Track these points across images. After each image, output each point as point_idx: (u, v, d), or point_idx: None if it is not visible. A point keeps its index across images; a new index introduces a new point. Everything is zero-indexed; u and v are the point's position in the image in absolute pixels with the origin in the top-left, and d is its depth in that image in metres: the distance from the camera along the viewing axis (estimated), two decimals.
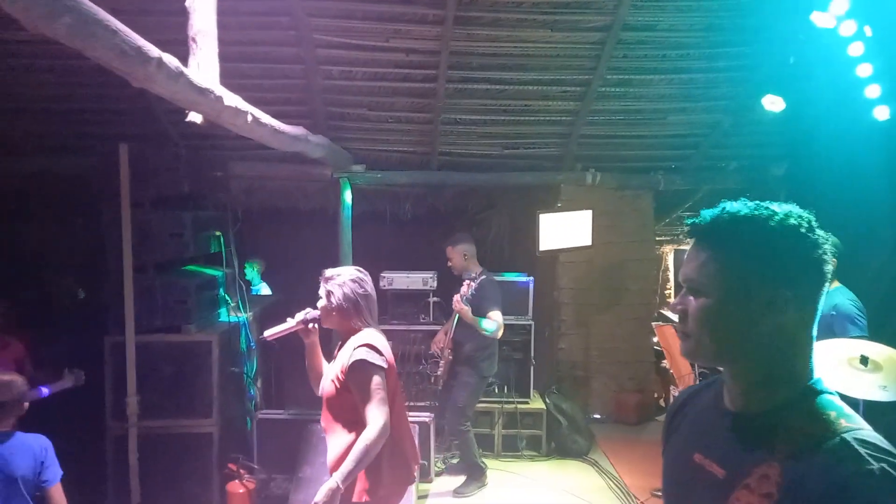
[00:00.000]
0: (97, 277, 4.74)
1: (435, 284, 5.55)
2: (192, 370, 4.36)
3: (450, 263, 4.78)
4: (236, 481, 4.19)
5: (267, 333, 2.79)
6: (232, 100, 2.75)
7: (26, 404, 2.95)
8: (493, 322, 4.44)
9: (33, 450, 2.85)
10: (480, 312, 4.44)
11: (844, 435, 1.02)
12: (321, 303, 2.72)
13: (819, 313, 1.15)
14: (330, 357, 2.86)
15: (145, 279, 4.30)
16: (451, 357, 4.68)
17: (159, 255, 4.37)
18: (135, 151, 4.30)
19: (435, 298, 5.58)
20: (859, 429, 1.04)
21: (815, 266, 1.12)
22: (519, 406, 5.39)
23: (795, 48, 4.61)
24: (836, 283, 3.82)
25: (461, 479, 4.77)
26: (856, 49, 4.20)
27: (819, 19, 4.17)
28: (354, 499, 2.59)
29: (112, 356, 4.30)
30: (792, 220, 1.11)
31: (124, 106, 5.20)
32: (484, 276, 4.50)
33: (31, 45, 4.58)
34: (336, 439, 2.66)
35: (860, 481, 0.96)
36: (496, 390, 5.28)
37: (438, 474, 4.98)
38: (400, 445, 2.72)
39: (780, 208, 1.14)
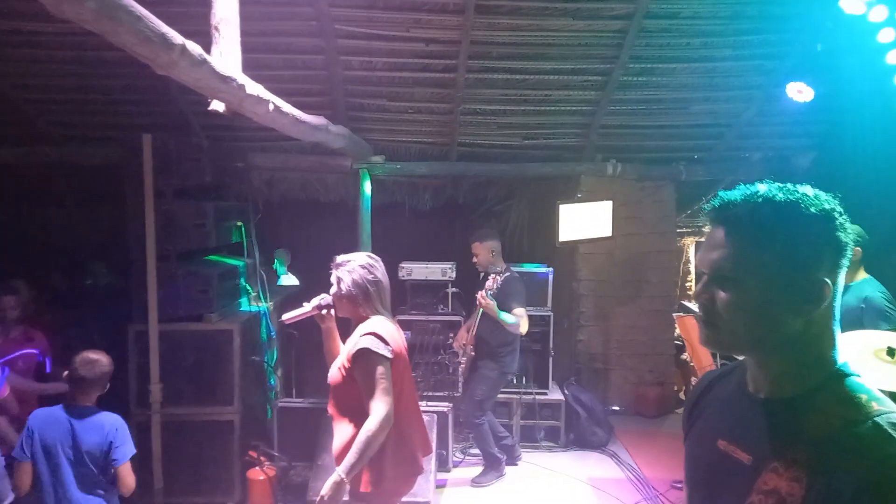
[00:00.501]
0: (121, 266, 4.80)
1: (454, 275, 5.55)
2: (214, 358, 4.41)
3: (475, 259, 4.77)
4: (257, 468, 4.24)
5: (285, 317, 2.82)
6: (254, 88, 2.76)
7: (108, 384, 3.10)
8: (515, 316, 4.43)
9: (104, 428, 3.00)
10: (505, 308, 4.43)
11: (877, 418, 1.00)
12: (332, 290, 2.71)
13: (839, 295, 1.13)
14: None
15: (168, 268, 4.34)
16: (472, 353, 4.68)
17: (182, 244, 4.41)
18: (158, 142, 4.34)
19: (454, 289, 5.58)
20: (891, 412, 1.01)
21: (846, 252, 1.10)
22: (537, 397, 5.39)
23: (823, 35, 4.52)
24: (864, 274, 3.75)
25: (479, 469, 4.78)
26: (886, 35, 4.09)
27: (848, 5, 4.07)
28: (361, 489, 2.57)
29: (136, 344, 4.36)
30: (827, 206, 1.09)
31: (147, 97, 5.25)
32: (509, 273, 4.50)
33: (54, 36, 4.64)
34: (341, 429, 2.64)
35: (893, 464, 0.94)
36: (514, 381, 5.28)
37: (457, 464, 4.99)
38: (407, 436, 2.68)
39: (811, 191, 1.10)
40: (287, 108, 3.22)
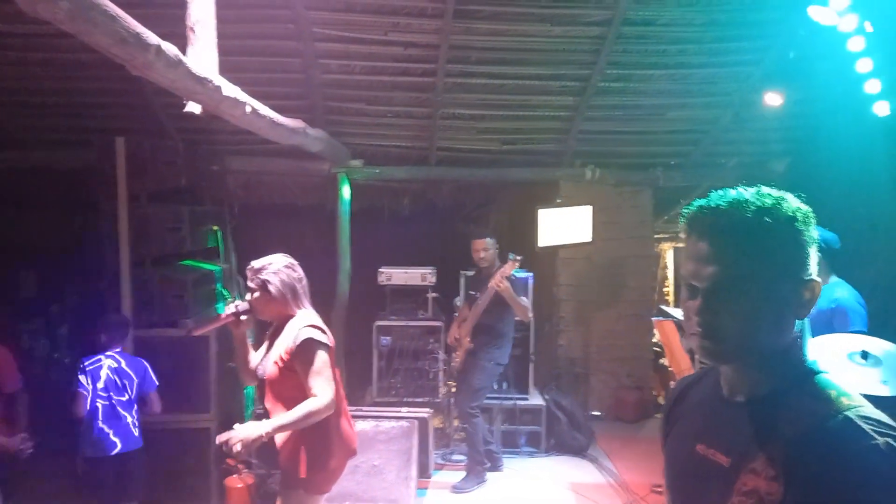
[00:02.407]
0: (96, 272, 4.71)
1: (434, 280, 5.53)
2: (190, 365, 4.33)
3: (481, 255, 4.78)
4: (235, 476, 4.16)
5: (196, 331, 2.91)
6: (231, 90, 2.73)
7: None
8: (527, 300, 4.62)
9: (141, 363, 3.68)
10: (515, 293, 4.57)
11: (847, 412, 1.01)
12: (255, 295, 2.72)
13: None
14: (259, 345, 2.90)
15: (142, 273, 4.27)
16: (471, 344, 4.69)
17: (157, 249, 4.35)
18: (132, 145, 4.27)
19: (433, 294, 5.56)
20: (861, 406, 1.03)
21: (817, 250, 1.12)
22: (518, 402, 5.38)
23: (797, 43, 4.60)
24: (834, 278, 3.81)
25: (460, 475, 4.75)
26: (856, 44, 4.17)
27: (818, 15, 4.15)
28: (301, 475, 2.63)
29: None
30: (803, 205, 1.10)
31: (121, 100, 5.17)
32: None
33: (25, 38, 4.55)
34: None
35: (865, 456, 0.96)
36: (495, 386, 5.27)
37: (437, 470, 4.96)
38: (342, 421, 2.78)
39: (782, 193, 1.11)
40: (264, 110, 3.19)
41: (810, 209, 1.10)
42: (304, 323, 2.65)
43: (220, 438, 2.51)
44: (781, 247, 1.07)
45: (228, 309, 2.75)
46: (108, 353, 3.64)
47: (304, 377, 2.58)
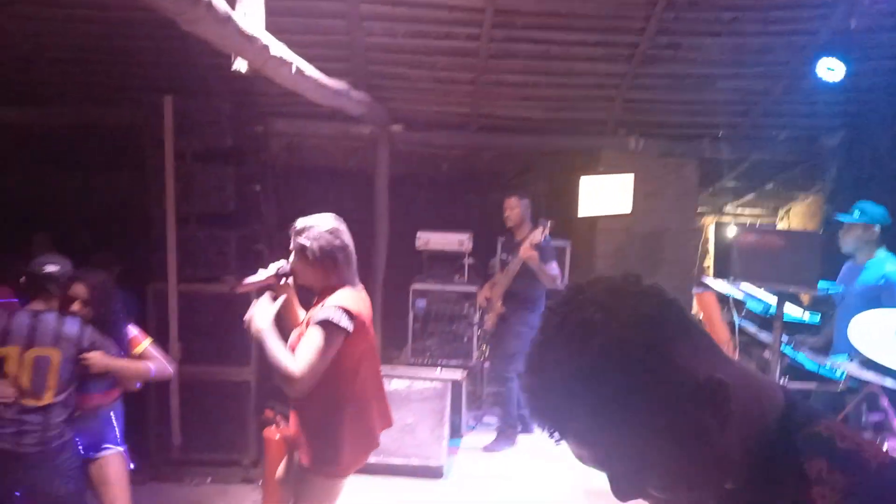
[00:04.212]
0: (142, 228, 4.85)
1: (470, 246, 5.55)
2: (231, 320, 4.45)
3: (507, 214, 4.84)
4: (273, 427, 4.31)
5: (241, 284, 2.65)
6: (278, 49, 2.75)
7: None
8: (557, 268, 4.64)
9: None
10: (543, 261, 4.59)
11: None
12: (293, 258, 2.53)
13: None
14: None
15: (187, 230, 4.39)
16: (502, 309, 4.73)
17: (201, 207, 4.45)
18: (179, 104, 4.36)
19: (470, 260, 5.59)
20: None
21: (686, 325, 0.86)
22: None
23: (858, 12, 4.39)
24: (883, 252, 3.70)
25: (491, 437, 4.83)
26: None
27: None
28: (317, 465, 2.47)
29: (155, 303, 4.43)
30: (645, 304, 0.84)
31: (168, 59, 5.24)
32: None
33: None
34: (298, 401, 2.51)
35: None
36: None
37: (469, 431, 5.04)
38: (365, 413, 2.55)
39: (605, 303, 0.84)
40: (310, 70, 3.21)
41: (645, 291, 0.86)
42: (335, 302, 2.41)
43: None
44: (643, 384, 0.81)
45: (270, 269, 2.59)
46: None
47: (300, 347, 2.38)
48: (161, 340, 4.38)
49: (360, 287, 2.60)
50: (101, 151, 6.31)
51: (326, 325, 2.34)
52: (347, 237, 2.54)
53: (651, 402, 0.80)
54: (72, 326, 2.97)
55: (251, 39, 2.49)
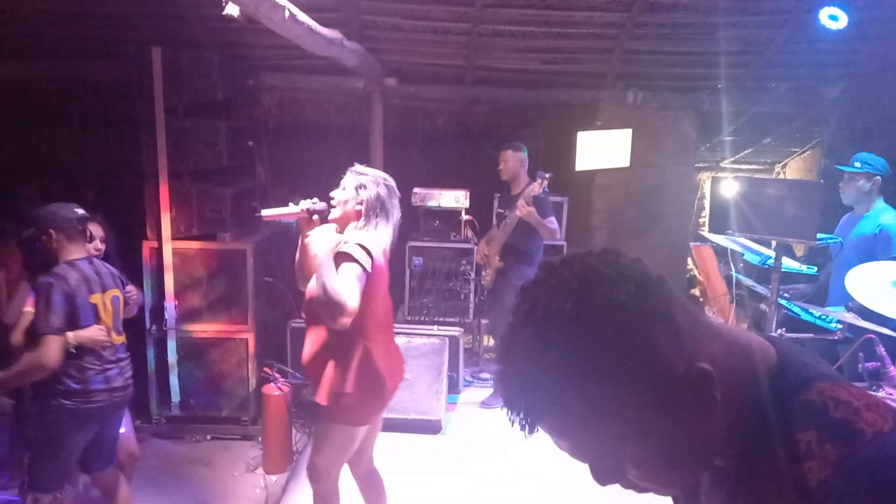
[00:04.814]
0: (133, 184, 4.78)
1: (467, 203, 5.51)
2: (228, 278, 4.45)
3: (501, 167, 4.79)
4: (272, 384, 4.33)
5: (265, 213, 2.65)
6: None
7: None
8: (555, 221, 4.58)
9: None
10: (542, 216, 4.52)
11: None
12: (343, 194, 2.55)
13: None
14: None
15: (181, 186, 4.33)
16: (500, 263, 4.72)
17: (194, 163, 4.37)
18: (168, 56, 4.24)
19: (466, 217, 5.55)
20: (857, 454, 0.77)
21: (672, 310, 0.80)
22: None
23: None
24: (881, 203, 3.69)
25: (488, 392, 4.87)
26: None
27: None
28: (325, 402, 2.52)
29: (150, 261, 4.39)
30: (619, 291, 0.77)
31: (155, 10, 5.08)
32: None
33: None
34: (313, 335, 2.59)
35: None
36: None
37: (466, 387, 5.09)
38: (371, 356, 2.57)
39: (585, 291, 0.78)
40: (302, 16, 3.11)
41: (632, 274, 0.81)
42: (355, 240, 2.48)
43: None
44: (626, 378, 0.76)
45: (303, 204, 2.58)
46: None
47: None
48: (158, 298, 4.38)
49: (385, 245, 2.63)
50: (92, 107, 6.19)
51: (344, 257, 2.41)
52: (398, 203, 2.64)
53: (625, 397, 0.75)
54: (110, 265, 3.14)
55: None
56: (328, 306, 2.34)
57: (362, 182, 2.54)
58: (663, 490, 0.88)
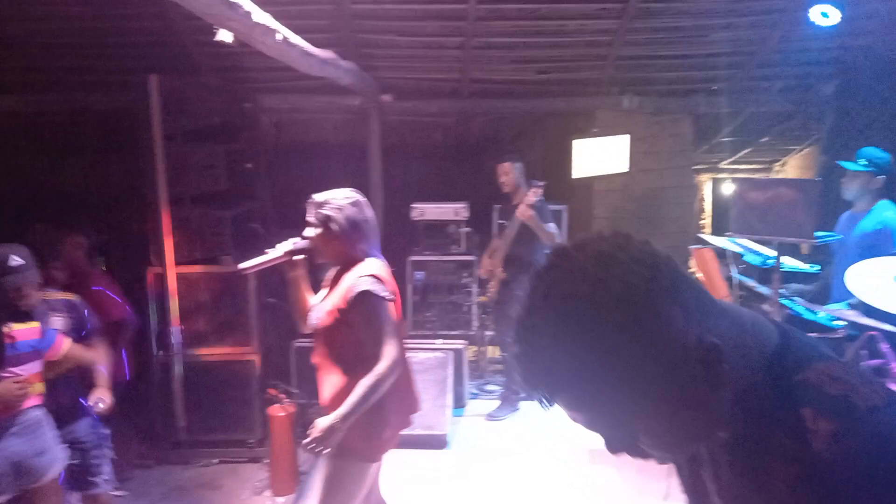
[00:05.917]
0: (138, 211, 4.82)
1: (467, 215, 5.52)
2: (232, 300, 4.46)
3: (502, 179, 4.85)
4: (277, 405, 4.33)
5: (244, 266, 2.54)
6: (261, 16, 2.68)
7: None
8: (555, 227, 4.64)
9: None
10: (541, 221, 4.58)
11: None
12: (315, 234, 2.44)
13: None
14: (317, 289, 2.64)
15: (182, 211, 4.36)
16: (503, 274, 4.73)
17: (194, 187, 4.41)
18: (165, 83, 4.28)
19: (466, 229, 5.56)
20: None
21: (680, 289, 0.84)
22: None
23: None
24: (883, 200, 3.68)
25: (494, 405, 4.86)
26: None
27: None
28: (357, 445, 2.39)
29: (155, 287, 4.41)
30: (631, 273, 0.81)
31: (153, 38, 5.14)
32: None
33: None
34: (331, 378, 2.45)
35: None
36: None
37: (472, 399, 5.08)
38: (404, 385, 2.51)
39: (597, 269, 0.81)
40: (295, 39, 3.14)
41: (642, 254, 0.84)
42: (364, 272, 2.38)
43: (305, 443, 2.36)
44: (641, 353, 0.81)
45: (283, 246, 2.50)
46: None
47: (364, 335, 2.36)
48: (162, 324, 4.40)
49: (383, 260, 2.56)
50: (94, 136, 6.26)
51: (370, 298, 2.33)
52: (369, 209, 2.51)
53: (641, 373, 0.80)
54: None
55: (234, 7, 2.42)
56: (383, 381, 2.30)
57: (327, 214, 2.43)
58: (670, 458, 0.93)
